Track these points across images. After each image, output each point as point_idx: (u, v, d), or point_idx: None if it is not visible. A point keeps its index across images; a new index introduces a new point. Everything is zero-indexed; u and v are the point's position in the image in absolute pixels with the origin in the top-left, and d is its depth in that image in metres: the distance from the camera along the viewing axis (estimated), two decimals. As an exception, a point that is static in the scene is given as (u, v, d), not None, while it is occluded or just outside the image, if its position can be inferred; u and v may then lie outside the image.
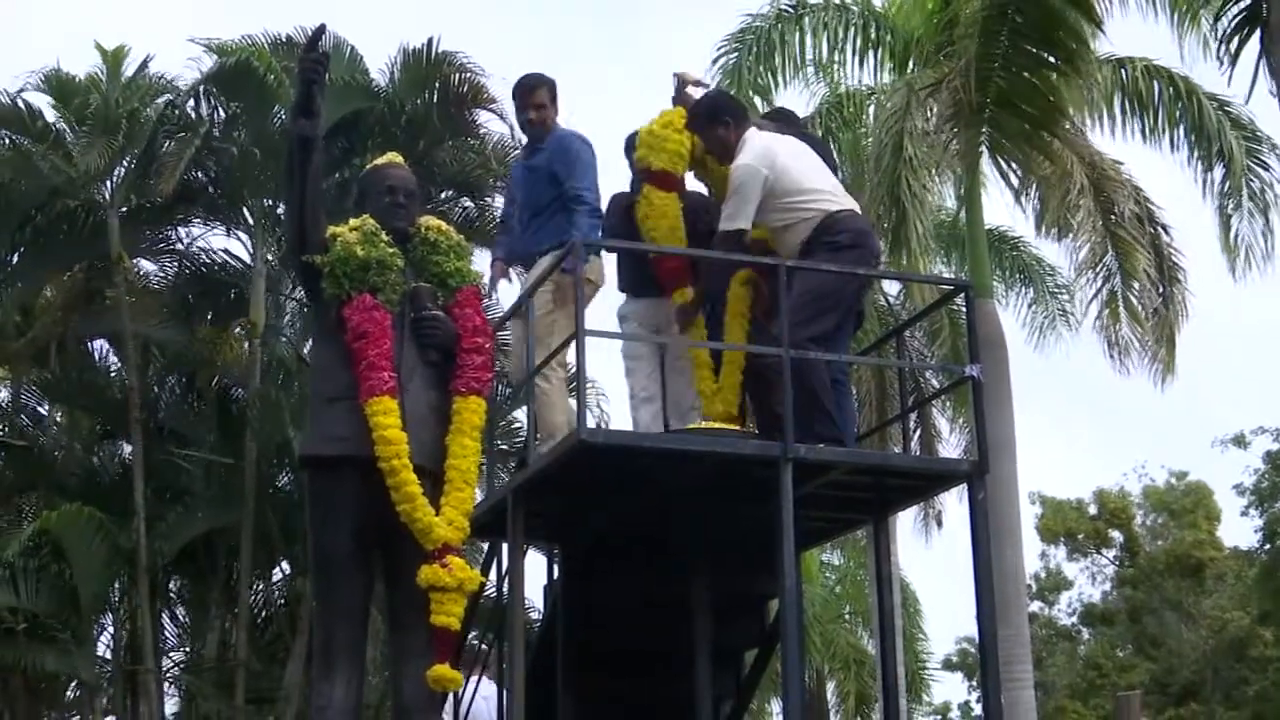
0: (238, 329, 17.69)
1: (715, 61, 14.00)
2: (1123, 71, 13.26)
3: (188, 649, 17.94)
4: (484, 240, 14.32)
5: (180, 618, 18.22)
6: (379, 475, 5.39)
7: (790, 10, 14.08)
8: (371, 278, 5.63)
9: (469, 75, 16.33)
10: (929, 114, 12.39)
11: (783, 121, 7.38)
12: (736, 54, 13.96)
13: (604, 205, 7.27)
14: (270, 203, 16.62)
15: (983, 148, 12.47)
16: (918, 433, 17.25)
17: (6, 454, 17.57)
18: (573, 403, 6.72)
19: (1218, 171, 13.40)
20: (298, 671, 15.62)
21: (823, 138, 13.18)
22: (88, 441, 18.32)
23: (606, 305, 7.40)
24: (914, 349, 16.65)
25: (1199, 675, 33.10)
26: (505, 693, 7.00)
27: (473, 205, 17.47)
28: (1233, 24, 8.81)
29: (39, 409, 18.57)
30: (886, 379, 16.16)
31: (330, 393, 5.60)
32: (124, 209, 16.46)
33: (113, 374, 17.99)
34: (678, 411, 7.01)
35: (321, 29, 5.83)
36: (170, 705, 17.35)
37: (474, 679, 7.82)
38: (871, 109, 14.71)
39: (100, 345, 18.22)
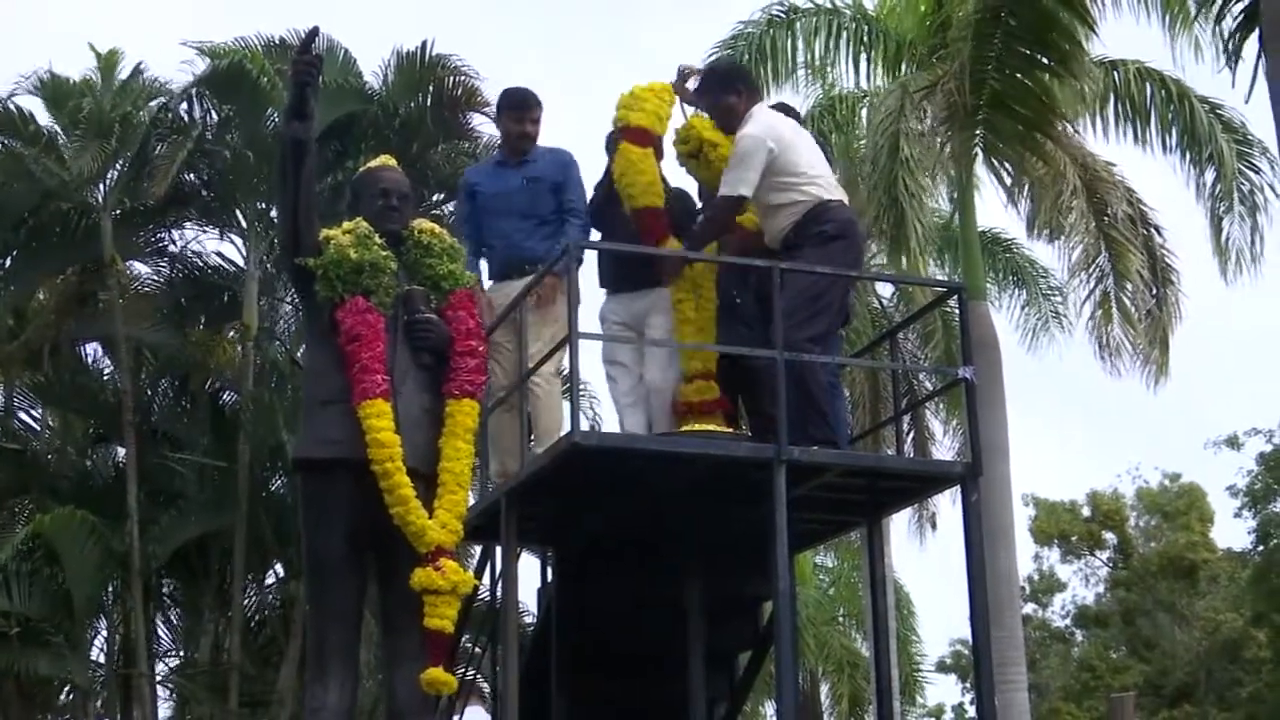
0: (231, 332, 17.69)
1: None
2: (1115, 74, 13.28)
3: (181, 652, 17.91)
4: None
5: (174, 621, 18.19)
6: (372, 478, 5.38)
7: (781, 16, 14.11)
8: (364, 280, 5.62)
9: (463, 78, 16.36)
10: (924, 115, 12.41)
11: (785, 114, 7.42)
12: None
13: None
14: (263, 206, 16.61)
15: (977, 150, 12.49)
16: (911, 435, 17.30)
17: (-1, 457, 17.56)
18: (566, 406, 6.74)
19: (1209, 174, 13.43)
20: (291, 675, 15.61)
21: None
22: (81, 445, 18.29)
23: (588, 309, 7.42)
24: (907, 351, 16.67)
25: (1193, 677, 33.12)
26: (499, 696, 7.00)
27: (466, 208, 17.43)
28: (1235, 23, 8.81)
29: (32, 412, 18.54)
30: (880, 381, 16.20)
31: (323, 396, 5.59)
32: (117, 212, 16.46)
33: (106, 377, 17.96)
34: (659, 399, 6.99)
35: (314, 31, 5.82)
36: (164, 709, 17.35)
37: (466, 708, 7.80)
38: (864, 112, 14.73)
39: (93, 348, 18.21)
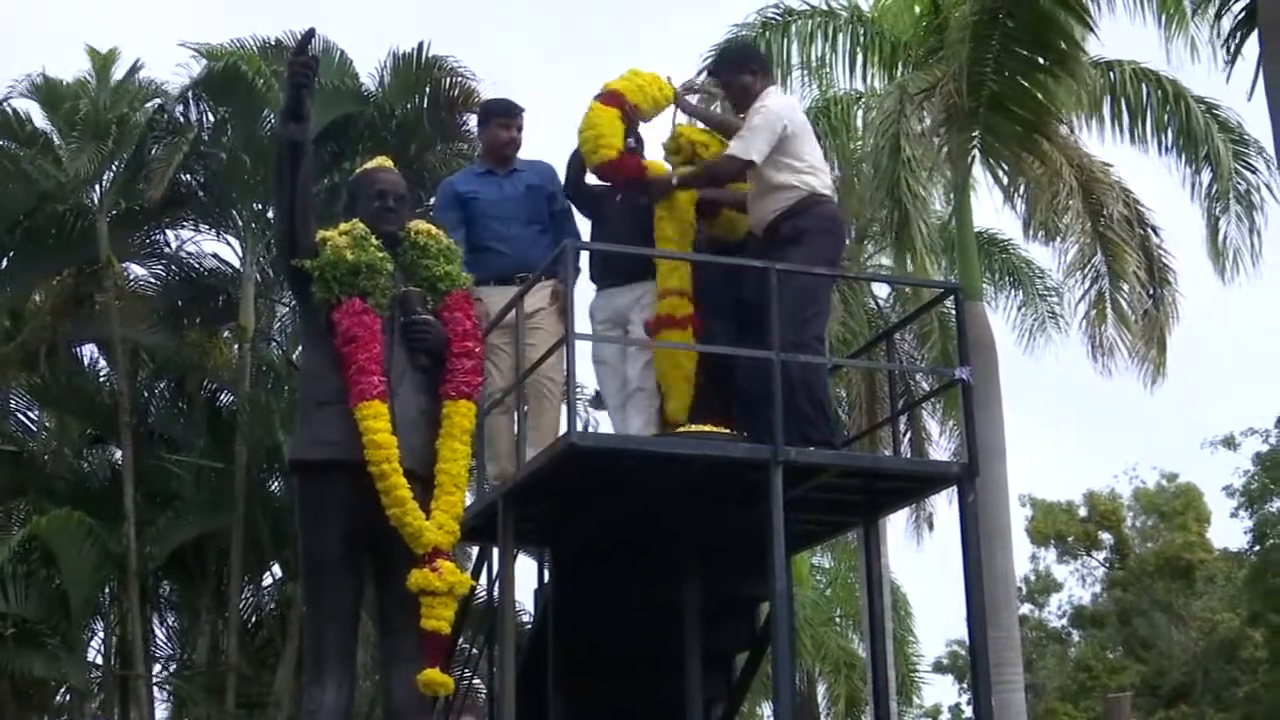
0: (227, 333, 17.69)
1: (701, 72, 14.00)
2: (1111, 74, 13.27)
3: (178, 654, 17.92)
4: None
5: (170, 623, 18.20)
6: (369, 479, 5.38)
7: (776, 19, 14.10)
8: (361, 282, 5.62)
9: (459, 79, 16.35)
10: (922, 116, 12.41)
11: None
12: (723, 64, 13.95)
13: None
14: (260, 207, 16.60)
15: (974, 151, 12.48)
16: (908, 435, 17.28)
17: (-4, 459, 17.55)
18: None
19: (1205, 174, 13.43)
20: (288, 676, 15.62)
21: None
22: (77, 446, 18.29)
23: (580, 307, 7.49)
24: (904, 351, 16.66)
25: (1189, 677, 33.14)
26: (496, 696, 7.00)
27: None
28: (1236, 21, 8.81)
29: (28, 414, 18.54)
30: (877, 381, 16.18)
31: (320, 397, 5.59)
32: (113, 213, 16.45)
33: (102, 379, 17.98)
34: (642, 398, 7.00)
35: (310, 33, 5.82)
36: (161, 710, 17.36)
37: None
38: (859, 114, 14.73)
39: (89, 350, 18.23)
